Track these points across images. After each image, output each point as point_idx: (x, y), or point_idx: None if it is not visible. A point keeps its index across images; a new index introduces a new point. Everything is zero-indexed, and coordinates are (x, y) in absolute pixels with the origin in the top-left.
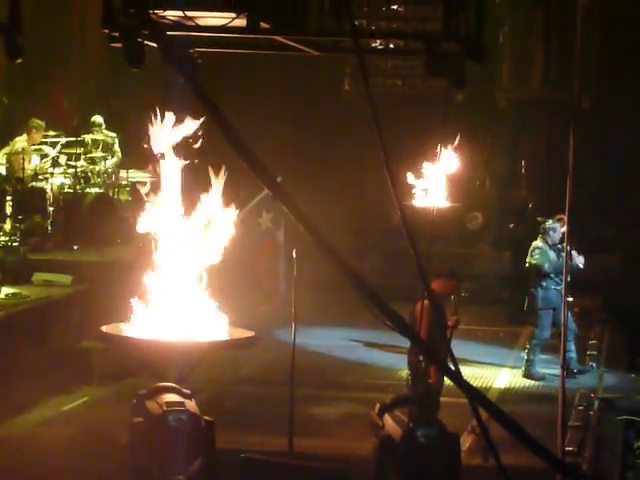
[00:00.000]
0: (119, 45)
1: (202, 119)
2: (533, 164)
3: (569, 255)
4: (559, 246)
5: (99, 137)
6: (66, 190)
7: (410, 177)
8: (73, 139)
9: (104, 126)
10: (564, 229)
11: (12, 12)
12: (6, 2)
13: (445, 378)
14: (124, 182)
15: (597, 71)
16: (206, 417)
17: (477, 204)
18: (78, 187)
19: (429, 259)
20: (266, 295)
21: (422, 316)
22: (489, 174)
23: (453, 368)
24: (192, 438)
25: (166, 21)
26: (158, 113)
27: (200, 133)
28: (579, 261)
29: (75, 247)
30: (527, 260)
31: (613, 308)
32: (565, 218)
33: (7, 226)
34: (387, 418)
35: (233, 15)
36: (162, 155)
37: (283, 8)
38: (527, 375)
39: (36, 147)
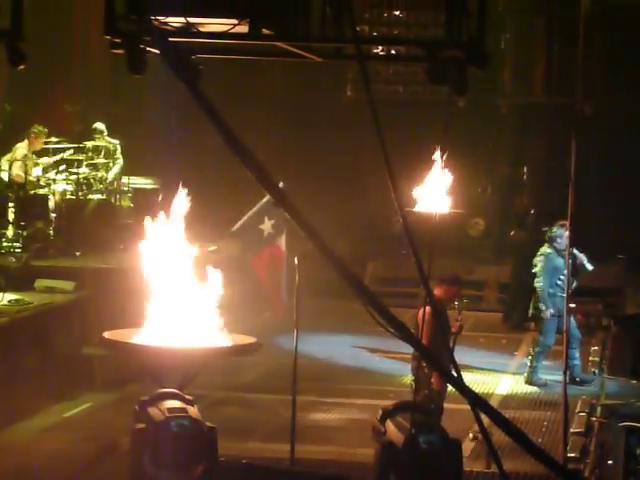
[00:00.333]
0: (121, 51)
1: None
2: (535, 170)
3: (577, 258)
4: (573, 250)
5: (101, 143)
6: (68, 196)
7: (411, 183)
8: (75, 145)
9: (106, 133)
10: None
11: (14, 18)
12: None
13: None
14: (126, 188)
15: (599, 77)
16: (208, 423)
17: (478, 210)
18: (80, 193)
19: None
20: (268, 302)
21: (424, 322)
22: (490, 180)
23: (455, 374)
24: (194, 444)
25: (168, 27)
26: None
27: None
28: (587, 264)
29: (77, 253)
30: (534, 262)
31: (615, 314)
32: (567, 224)
33: (9, 232)
34: (389, 424)
35: (235, 21)
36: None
37: (285, 14)
38: (529, 381)
39: (37, 153)
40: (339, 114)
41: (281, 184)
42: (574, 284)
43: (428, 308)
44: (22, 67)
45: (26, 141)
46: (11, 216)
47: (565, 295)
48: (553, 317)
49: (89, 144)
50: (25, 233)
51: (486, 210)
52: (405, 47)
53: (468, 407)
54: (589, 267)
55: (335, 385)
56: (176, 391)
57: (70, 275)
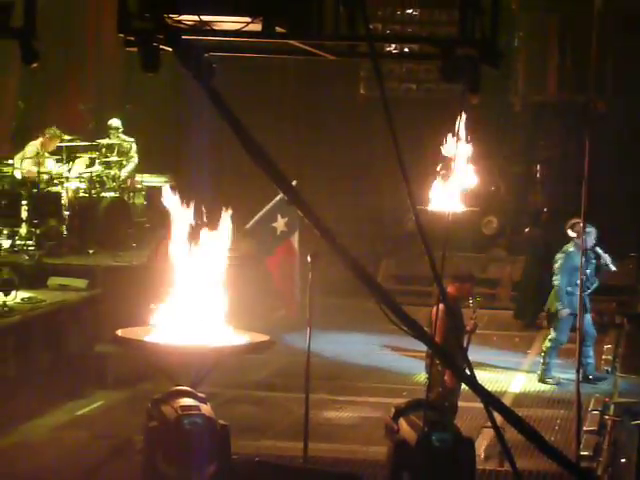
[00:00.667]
0: (134, 49)
1: None
2: (548, 168)
3: (601, 257)
4: (597, 249)
5: (115, 141)
6: (81, 194)
7: (425, 181)
8: (88, 144)
9: (121, 129)
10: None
11: (27, 17)
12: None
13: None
14: (139, 186)
15: (613, 75)
16: (221, 421)
17: (492, 208)
18: (93, 191)
19: (444, 263)
20: (281, 300)
21: (437, 320)
22: (504, 178)
23: (468, 372)
24: (207, 442)
25: (181, 25)
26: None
27: None
28: (611, 264)
29: (90, 251)
30: (554, 259)
31: (629, 312)
32: (581, 223)
33: (23, 230)
34: (402, 422)
35: (248, 19)
36: None
37: (298, 12)
38: (542, 379)
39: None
40: (352, 112)
41: (294, 182)
42: (596, 284)
43: (442, 306)
44: (35, 65)
45: (40, 139)
46: (24, 214)
47: (586, 294)
48: (569, 316)
49: (103, 142)
50: (38, 231)
51: (500, 208)
52: (418, 45)
53: (481, 405)
54: (612, 268)
55: (348, 383)
56: (189, 389)
57: (83, 273)
